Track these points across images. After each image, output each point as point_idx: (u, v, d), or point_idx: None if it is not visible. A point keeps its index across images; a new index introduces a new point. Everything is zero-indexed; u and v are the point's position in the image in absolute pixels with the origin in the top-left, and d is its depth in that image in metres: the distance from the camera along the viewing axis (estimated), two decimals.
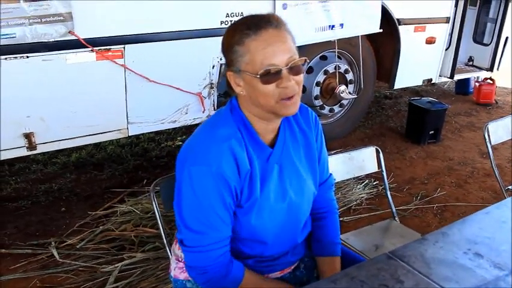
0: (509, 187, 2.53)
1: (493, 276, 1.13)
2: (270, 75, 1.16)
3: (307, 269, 1.53)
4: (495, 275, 1.14)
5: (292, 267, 1.49)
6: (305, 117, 1.40)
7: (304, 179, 1.36)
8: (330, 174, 1.55)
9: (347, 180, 3.34)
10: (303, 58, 1.22)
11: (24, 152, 2.66)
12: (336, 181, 3.24)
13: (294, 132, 1.36)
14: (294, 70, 1.18)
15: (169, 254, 1.56)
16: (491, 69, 5.02)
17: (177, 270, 1.42)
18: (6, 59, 2.38)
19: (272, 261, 1.40)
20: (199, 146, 1.23)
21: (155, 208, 1.59)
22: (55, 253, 2.58)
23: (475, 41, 5.11)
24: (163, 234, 1.56)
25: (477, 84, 5.43)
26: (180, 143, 4.07)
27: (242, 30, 1.17)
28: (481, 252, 1.23)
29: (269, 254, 1.37)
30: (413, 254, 1.21)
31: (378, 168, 2.08)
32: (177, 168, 1.28)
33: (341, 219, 2.93)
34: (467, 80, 5.67)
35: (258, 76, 1.16)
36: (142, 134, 4.10)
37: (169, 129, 4.18)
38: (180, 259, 1.41)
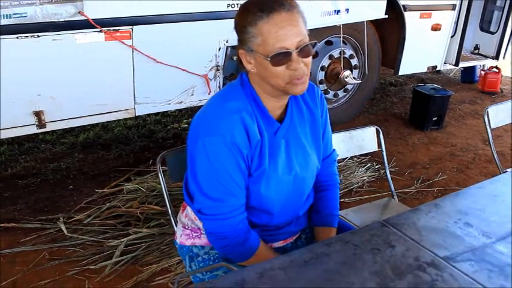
0: (507, 170, 2.56)
1: (480, 243, 1.19)
2: (280, 58, 1.21)
3: (308, 239, 1.59)
4: (483, 242, 1.20)
5: (295, 238, 1.56)
6: (311, 94, 1.45)
7: (309, 153, 1.42)
8: (334, 149, 1.61)
9: (350, 163, 3.40)
10: (314, 41, 1.26)
11: (34, 130, 2.73)
12: (338, 163, 3.28)
13: (300, 108, 1.42)
14: (303, 52, 1.23)
15: (174, 223, 1.63)
16: (497, 57, 5.01)
17: (183, 237, 1.49)
18: (17, 38, 2.44)
19: (276, 231, 1.47)
20: (212, 117, 1.28)
21: (161, 180, 1.65)
22: (63, 228, 2.66)
23: (482, 29, 5.10)
24: (167, 203, 1.62)
25: (483, 72, 5.44)
26: (186, 125, 4.14)
27: (255, 12, 1.21)
28: (471, 222, 1.29)
29: (274, 223, 1.44)
30: (405, 223, 1.27)
31: (378, 148, 2.13)
32: (189, 140, 1.34)
33: (342, 200, 3.00)
34: (473, 69, 5.68)
35: (269, 59, 1.21)
36: (149, 116, 4.17)
37: (175, 111, 4.27)
38: (187, 226, 1.48)
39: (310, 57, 1.26)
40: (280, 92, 1.29)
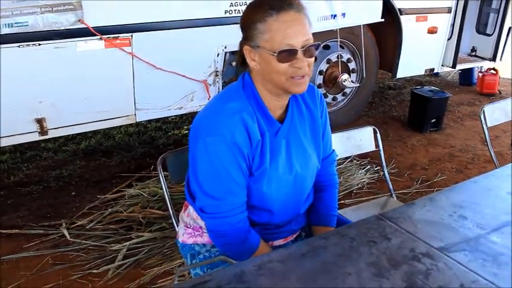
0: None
1: (474, 234, 1.21)
2: (286, 55, 1.25)
3: (308, 237, 1.61)
4: (477, 233, 1.22)
5: (295, 236, 1.58)
6: (311, 95, 1.48)
7: (309, 153, 1.45)
8: (333, 150, 1.64)
9: (349, 165, 3.43)
10: (318, 42, 1.31)
11: (36, 137, 2.76)
12: (338, 165, 3.30)
13: (301, 109, 1.45)
14: (308, 52, 1.27)
15: (175, 223, 1.65)
16: (493, 59, 5.06)
17: (185, 236, 1.52)
18: (19, 46, 2.49)
19: (277, 229, 1.49)
20: (213, 118, 1.31)
21: (162, 181, 1.68)
22: (66, 233, 2.69)
23: (478, 31, 5.15)
24: (168, 202, 1.65)
25: (480, 74, 5.47)
26: (186, 131, 4.17)
27: (266, 10, 1.25)
28: (465, 214, 1.31)
29: (275, 222, 1.47)
30: (401, 216, 1.29)
31: (376, 148, 2.16)
32: (191, 140, 1.36)
33: (342, 201, 3.02)
34: (471, 71, 5.72)
35: (276, 54, 1.24)
36: (149, 122, 4.21)
37: (175, 118, 4.31)
38: (189, 226, 1.51)
39: (313, 59, 1.31)
40: (281, 89, 1.32)
